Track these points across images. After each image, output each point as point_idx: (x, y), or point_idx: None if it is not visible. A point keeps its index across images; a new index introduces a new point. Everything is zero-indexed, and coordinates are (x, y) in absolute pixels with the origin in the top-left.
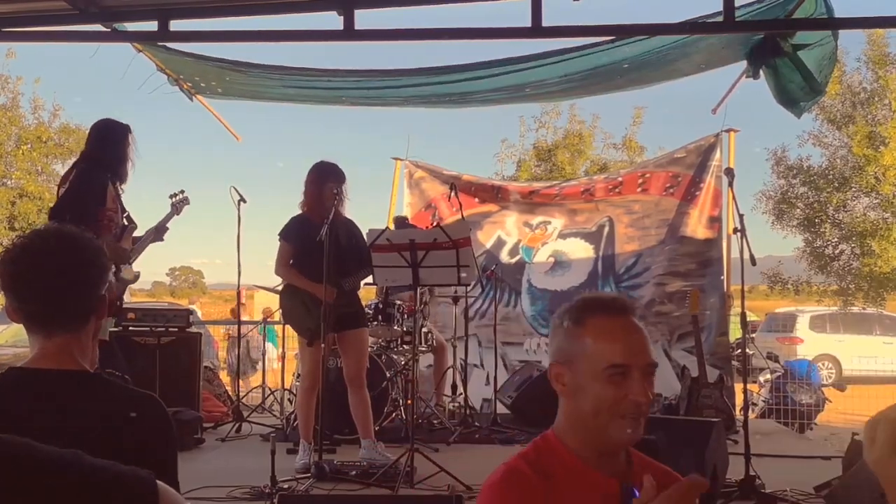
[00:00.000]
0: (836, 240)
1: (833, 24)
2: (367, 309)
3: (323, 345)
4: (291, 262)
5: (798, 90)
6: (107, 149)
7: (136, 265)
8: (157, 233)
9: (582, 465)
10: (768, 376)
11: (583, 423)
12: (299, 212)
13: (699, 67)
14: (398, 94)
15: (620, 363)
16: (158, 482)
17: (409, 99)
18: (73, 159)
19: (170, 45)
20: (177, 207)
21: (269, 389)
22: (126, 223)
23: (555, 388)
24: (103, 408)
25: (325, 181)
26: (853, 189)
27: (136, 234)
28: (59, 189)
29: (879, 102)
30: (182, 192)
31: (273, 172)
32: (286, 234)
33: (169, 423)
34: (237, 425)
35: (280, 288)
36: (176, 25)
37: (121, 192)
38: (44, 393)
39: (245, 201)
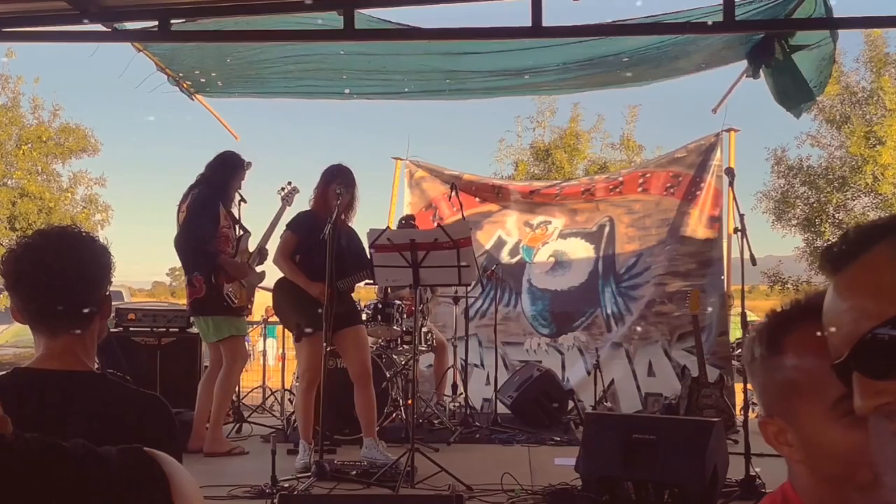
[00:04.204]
0: (836, 239)
1: (833, 23)
2: (366, 309)
3: (325, 344)
4: (296, 256)
5: (796, 91)
6: (221, 176)
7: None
8: (270, 229)
9: None
10: None
11: (831, 490)
12: (308, 208)
13: (699, 66)
14: (399, 65)
15: None
16: (156, 452)
17: (409, 77)
18: (76, 159)
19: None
20: (287, 200)
21: (270, 390)
22: (241, 232)
23: (779, 452)
24: (109, 408)
25: (331, 182)
26: (853, 189)
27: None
28: (180, 206)
29: (876, 103)
30: (289, 183)
31: (273, 173)
32: (294, 226)
33: (173, 423)
34: (237, 426)
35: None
36: (176, 26)
37: (233, 207)
38: (50, 393)
39: (245, 201)
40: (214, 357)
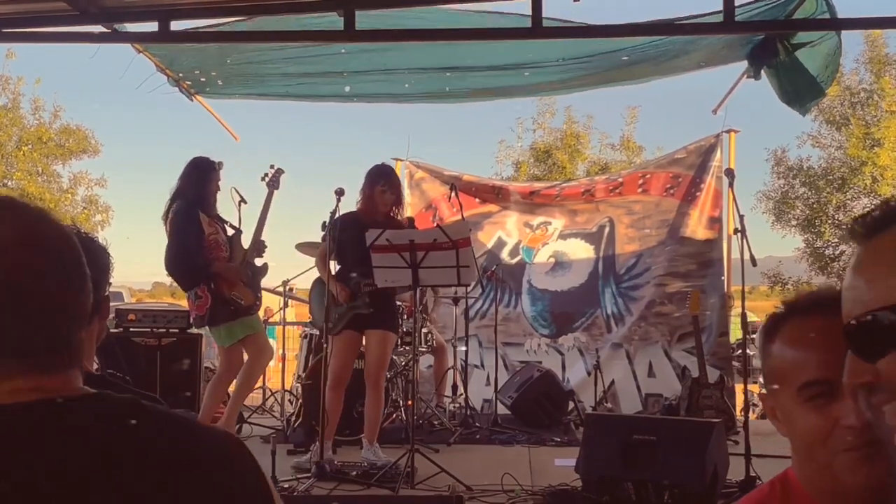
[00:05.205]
0: (836, 240)
1: (834, 24)
2: None
3: (326, 344)
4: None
5: (801, 89)
6: (194, 186)
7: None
8: (262, 219)
9: None
10: None
11: (805, 464)
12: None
13: (699, 65)
14: (399, 62)
15: (817, 379)
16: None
17: (410, 74)
18: (76, 160)
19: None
20: (273, 184)
21: (270, 391)
22: (232, 231)
23: (774, 425)
24: None
25: (376, 182)
26: (852, 190)
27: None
28: (164, 221)
29: (876, 104)
30: (272, 167)
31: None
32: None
33: None
34: (237, 426)
35: (280, 289)
36: (176, 26)
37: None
38: None
39: (246, 202)
40: (227, 361)
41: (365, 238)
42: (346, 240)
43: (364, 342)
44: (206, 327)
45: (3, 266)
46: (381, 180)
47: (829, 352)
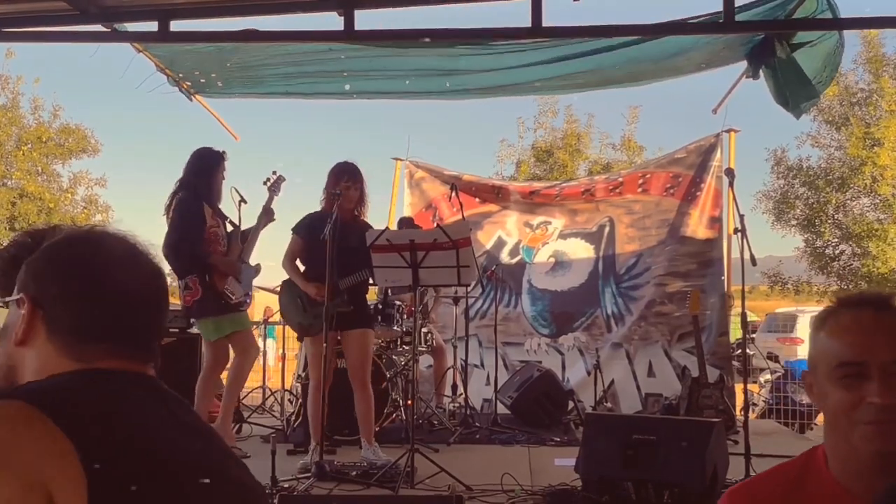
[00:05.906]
0: (836, 240)
1: (834, 24)
2: None
3: (325, 344)
4: (299, 257)
5: (797, 91)
6: (200, 176)
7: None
8: (267, 217)
9: (839, 490)
10: (769, 376)
11: (831, 436)
12: (319, 209)
13: (699, 66)
14: (399, 65)
15: (851, 360)
16: None
17: (411, 73)
18: (76, 160)
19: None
20: (275, 189)
21: (270, 390)
22: (231, 227)
23: (812, 400)
24: None
25: (339, 180)
26: (852, 189)
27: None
28: (166, 213)
29: (875, 104)
30: (274, 172)
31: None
32: (297, 228)
33: None
34: (237, 426)
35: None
36: (176, 25)
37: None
38: None
39: (245, 202)
40: (213, 356)
41: (335, 237)
42: (316, 239)
43: (342, 342)
44: (192, 319)
45: (145, 280)
46: (345, 176)
47: (864, 339)
